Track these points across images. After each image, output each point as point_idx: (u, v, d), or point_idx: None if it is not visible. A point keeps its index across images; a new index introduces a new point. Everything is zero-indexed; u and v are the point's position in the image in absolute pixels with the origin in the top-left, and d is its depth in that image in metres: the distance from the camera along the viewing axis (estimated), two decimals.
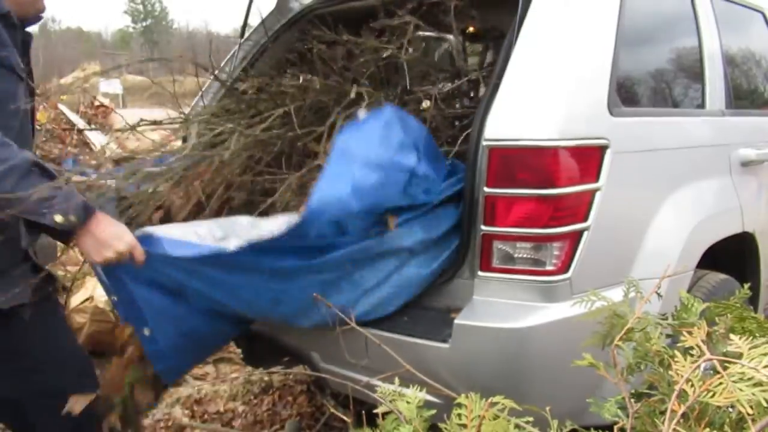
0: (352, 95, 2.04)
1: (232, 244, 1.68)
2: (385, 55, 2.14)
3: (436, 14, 2.21)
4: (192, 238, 1.72)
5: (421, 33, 2.27)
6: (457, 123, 2.33)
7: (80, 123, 7.39)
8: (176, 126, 2.23)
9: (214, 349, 2.22)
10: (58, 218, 1.49)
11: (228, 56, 2.71)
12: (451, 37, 2.30)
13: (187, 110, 2.50)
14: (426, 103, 2.12)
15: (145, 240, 1.68)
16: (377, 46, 2.15)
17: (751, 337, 1.00)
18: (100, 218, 1.60)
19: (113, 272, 1.72)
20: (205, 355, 2.19)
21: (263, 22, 2.70)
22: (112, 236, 1.59)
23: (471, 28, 2.63)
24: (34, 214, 1.48)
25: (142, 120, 2.13)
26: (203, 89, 2.57)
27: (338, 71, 2.24)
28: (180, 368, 1.99)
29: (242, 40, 2.71)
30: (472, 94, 2.58)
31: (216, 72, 2.52)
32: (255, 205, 2.17)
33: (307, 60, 2.51)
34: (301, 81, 2.11)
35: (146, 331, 1.80)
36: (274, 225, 1.75)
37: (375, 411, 1.31)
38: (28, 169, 1.48)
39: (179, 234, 1.74)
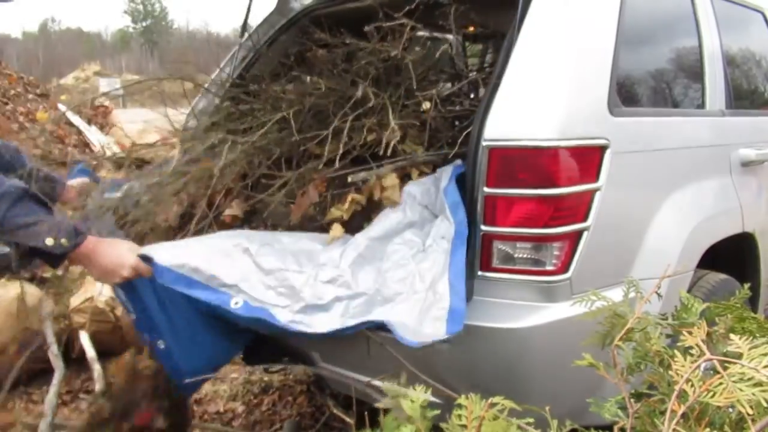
0: (359, 94, 2.04)
1: (236, 300, 1.67)
2: (384, 57, 2.14)
3: (435, 15, 2.21)
4: (199, 275, 1.70)
5: (420, 34, 2.27)
6: (457, 123, 2.34)
7: (80, 123, 7.38)
8: (170, 144, 2.26)
9: (228, 358, 2.25)
10: (49, 241, 1.53)
11: (228, 57, 2.71)
12: (450, 37, 2.30)
13: (185, 110, 2.51)
14: (426, 105, 2.12)
15: (151, 266, 1.69)
16: (378, 48, 2.15)
17: (751, 337, 1.00)
18: (97, 244, 1.63)
19: (128, 284, 1.74)
20: (221, 364, 2.21)
21: (249, 33, 2.69)
22: (114, 264, 1.64)
23: (471, 29, 2.64)
24: (25, 238, 1.51)
25: (135, 144, 2.20)
26: (196, 99, 2.58)
27: (338, 73, 2.24)
28: (198, 381, 1.98)
29: (242, 40, 2.71)
30: (472, 95, 2.58)
31: (212, 77, 2.54)
32: (254, 212, 2.17)
33: (305, 62, 2.51)
34: (306, 84, 2.11)
35: (161, 344, 1.83)
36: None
37: (377, 405, 1.31)
38: (19, 196, 1.53)
39: (192, 264, 1.72)
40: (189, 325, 1.85)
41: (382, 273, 1.80)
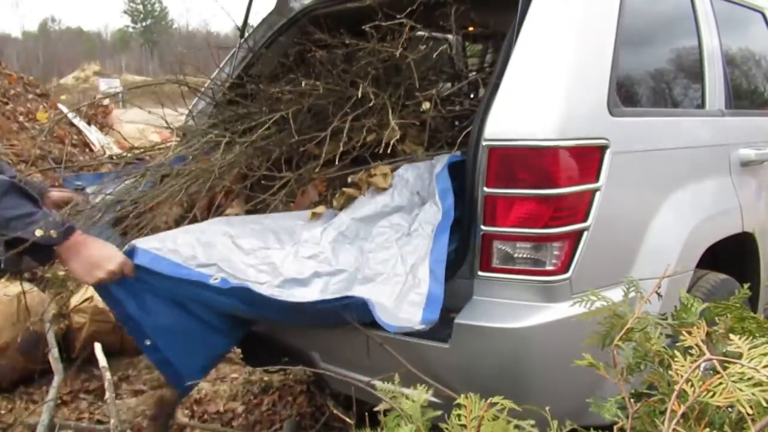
0: (359, 95, 2.03)
1: (215, 277, 1.67)
2: (384, 57, 2.14)
3: (434, 15, 2.21)
4: (177, 257, 1.71)
5: (420, 34, 2.26)
6: (456, 123, 2.33)
7: (80, 123, 7.37)
8: (169, 145, 2.26)
9: (222, 353, 2.20)
10: (39, 232, 1.53)
11: (227, 57, 2.71)
12: (450, 37, 2.30)
13: (184, 110, 2.52)
14: (426, 105, 2.12)
15: (133, 255, 1.70)
16: (377, 48, 2.14)
17: (750, 337, 1.01)
18: (85, 240, 1.64)
19: (104, 289, 1.73)
20: (214, 359, 2.17)
21: (249, 33, 2.69)
22: (102, 258, 1.63)
23: (471, 29, 2.63)
24: (15, 230, 1.51)
25: (134, 147, 2.21)
26: (195, 100, 2.58)
27: (337, 74, 2.24)
28: (190, 375, 1.94)
29: (242, 40, 2.71)
30: (472, 95, 2.58)
31: (211, 77, 2.54)
32: (255, 211, 2.18)
33: (305, 62, 2.51)
34: (303, 85, 2.11)
35: (147, 342, 1.82)
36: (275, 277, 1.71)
37: (376, 409, 1.31)
38: (6, 189, 1.53)
39: (170, 246, 1.73)
40: (175, 321, 1.83)
41: (365, 253, 1.81)
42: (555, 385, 1.73)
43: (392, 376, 1.41)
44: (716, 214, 2.21)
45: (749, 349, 0.95)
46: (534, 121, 1.71)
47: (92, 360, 3.09)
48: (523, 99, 1.75)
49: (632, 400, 1.10)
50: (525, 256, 1.72)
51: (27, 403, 2.98)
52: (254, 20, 2.79)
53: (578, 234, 1.71)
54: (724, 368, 0.93)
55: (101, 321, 3.33)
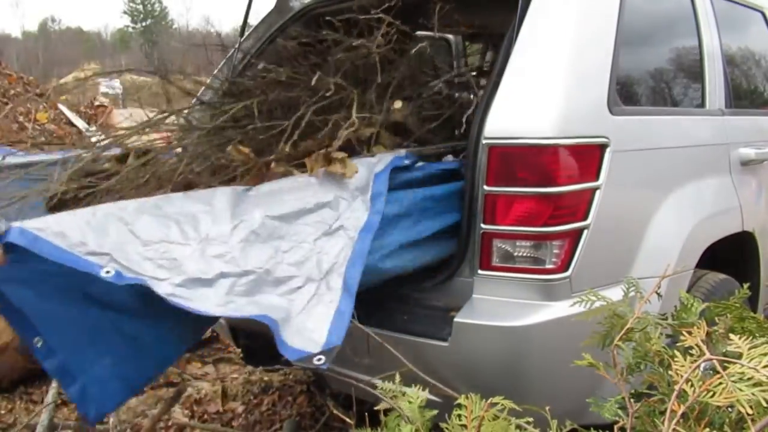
0: (331, 88, 1.98)
1: (107, 270, 1.45)
2: (363, 53, 2.10)
3: (426, 14, 2.20)
4: (62, 240, 1.47)
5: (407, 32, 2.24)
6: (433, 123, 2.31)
7: (80, 123, 7.38)
8: (144, 131, 2.23)
9: (157, 368, 1.82)
10: None
11: (226, 57, 2.71)
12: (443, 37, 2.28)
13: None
14: (398, 104, 2.10)
15: (4, 235, 1.42)
16: (355, 44, 2.11)
17: (750, 337, 1.00)
18: None
19: None
20: (145, 376, 1.77)
21: (249, 32, 2.69)
22: None
23: (464, 28, 2.62)
24: None
25: (117, 126, 2.17)
26: (194, 100, 2.57)
27: (309, 67, 2.20)
28: (104, 396, 1.60)
29: (242, 39, 2.71)
30: (454, 96, 2.55)
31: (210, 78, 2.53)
32: None
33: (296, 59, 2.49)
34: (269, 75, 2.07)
35: (37, 342, 1.52)
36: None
37: (377, 408, 1.31)
38: None
39: (55, 228, 1.49)
40: (75, 311, 1.55)
41: (279, 252, 1.66)
42: (555, 384, 1.72)
43: (392, 376, 1.41)
44: (716, 214, 2.21)
45: (749, 349, 0.94)
46: (534, 119, 1.71)
47: None
48: (523, 97, 1.75)
49: (632, 400, 1.10)
50: (525, 254, 1.72)
51: (27, 403, 2.98)
52: (253, 21, 2.79)
53: (578, 233, 1.71)
54: (724, 368, 0.93)
55: None
